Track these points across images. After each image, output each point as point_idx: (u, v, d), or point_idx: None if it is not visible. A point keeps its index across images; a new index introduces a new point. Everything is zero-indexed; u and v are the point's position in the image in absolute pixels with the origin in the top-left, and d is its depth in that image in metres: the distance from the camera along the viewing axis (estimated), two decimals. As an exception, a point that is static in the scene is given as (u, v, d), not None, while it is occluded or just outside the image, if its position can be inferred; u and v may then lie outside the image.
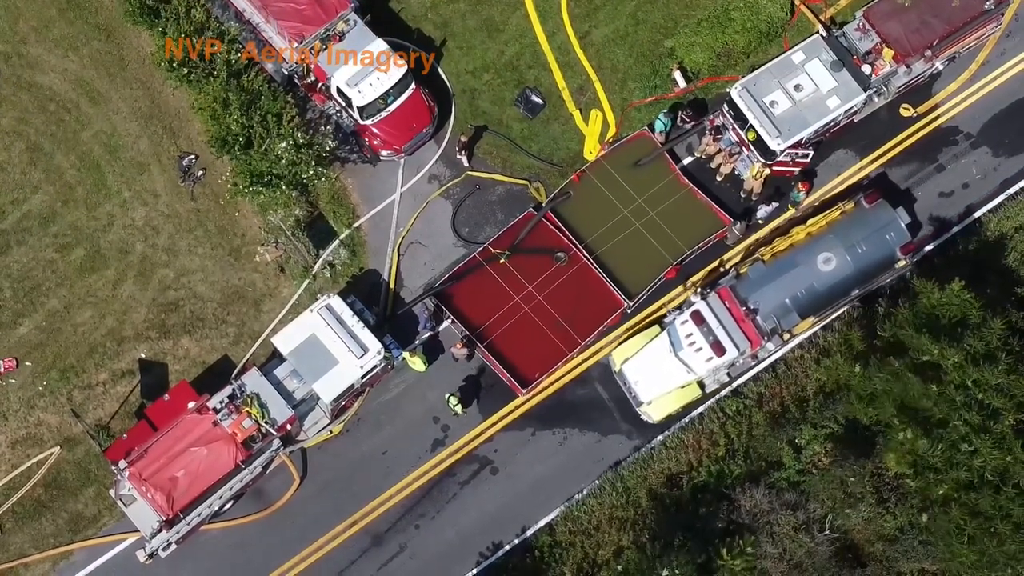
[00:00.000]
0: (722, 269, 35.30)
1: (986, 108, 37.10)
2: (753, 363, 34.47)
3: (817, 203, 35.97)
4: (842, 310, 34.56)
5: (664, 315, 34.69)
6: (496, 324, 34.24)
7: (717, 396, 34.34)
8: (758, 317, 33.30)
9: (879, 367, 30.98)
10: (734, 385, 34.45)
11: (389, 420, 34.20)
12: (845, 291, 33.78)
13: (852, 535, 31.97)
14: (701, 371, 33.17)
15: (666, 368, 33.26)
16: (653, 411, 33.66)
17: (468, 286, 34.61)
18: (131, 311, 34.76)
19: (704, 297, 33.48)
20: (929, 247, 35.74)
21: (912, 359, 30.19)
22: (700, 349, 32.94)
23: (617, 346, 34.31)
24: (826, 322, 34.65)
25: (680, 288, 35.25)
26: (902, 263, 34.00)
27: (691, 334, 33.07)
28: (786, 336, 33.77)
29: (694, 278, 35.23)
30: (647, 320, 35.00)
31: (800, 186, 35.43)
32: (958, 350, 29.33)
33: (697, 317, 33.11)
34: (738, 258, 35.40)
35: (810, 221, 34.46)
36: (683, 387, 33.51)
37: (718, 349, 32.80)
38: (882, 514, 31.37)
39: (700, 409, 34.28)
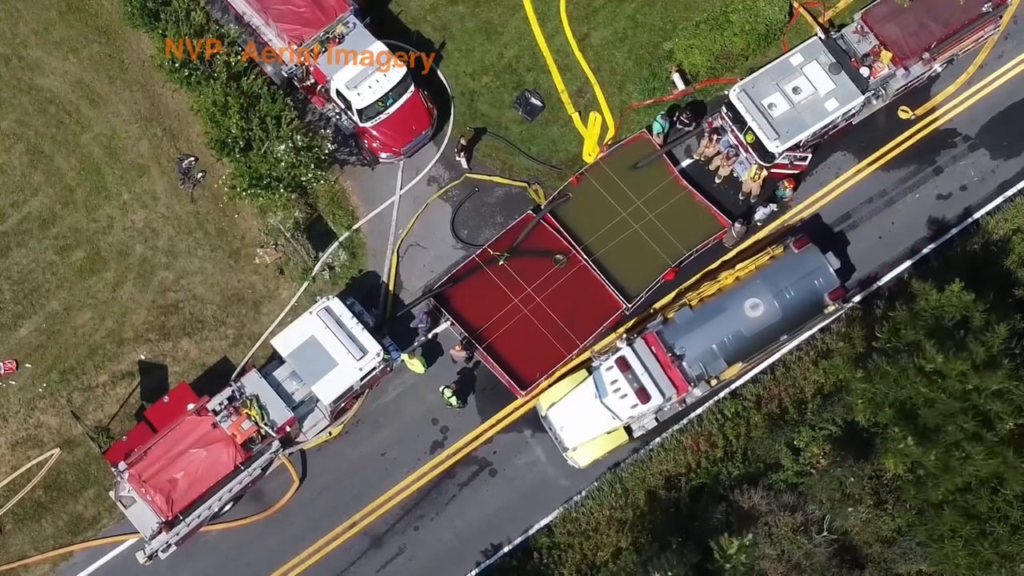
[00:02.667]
0: (651, 313, 34.78)
1: (984, 110, 37.12)
2: (681, 408, 34.01)
3: (753, 245, 35.55)
4: (774, 358, 34.23)
5: (591, 360, 34.04)
6: (495, 326, 34.27)
7: (715, 399, 34.37)
8: (684, 363, 32.72)
9: (877, 371, 30.95)
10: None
11: (388, 422, 34.24)
12: (773, 337, 33.31)
13: (850, 536, 31.99)
14: (626, 417, 32.62)
15: (591, 414, 32.70)
16: (579, 456, 33.13)
17: (467, 288, 34.64)
18: (131, 313, 34.81)
19: (630, 343, 32.91)
20: (927, 249, 35.78)
21: (915, 364, 30.02)
22: (625, 396, 32.35)
23: (544, 390, 33.89)
24: (756, 370, 34.32)
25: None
26: (831, 309, 33.54)
27: (616, 380, 32.47)
28: (713, 382, 33.29)
29: (626, 326, 34.78)
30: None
31: (786, 183, 35.44)
32: (963, 360, 29.04)
33: (622, 363, 32.50)
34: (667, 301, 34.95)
35: (739, 265, 34.09)
36: (609, 433, 32.99)
37: (643, 396, 32.26)
38: (880, 515, 31.41)
39: (699, 411, 34.32)
